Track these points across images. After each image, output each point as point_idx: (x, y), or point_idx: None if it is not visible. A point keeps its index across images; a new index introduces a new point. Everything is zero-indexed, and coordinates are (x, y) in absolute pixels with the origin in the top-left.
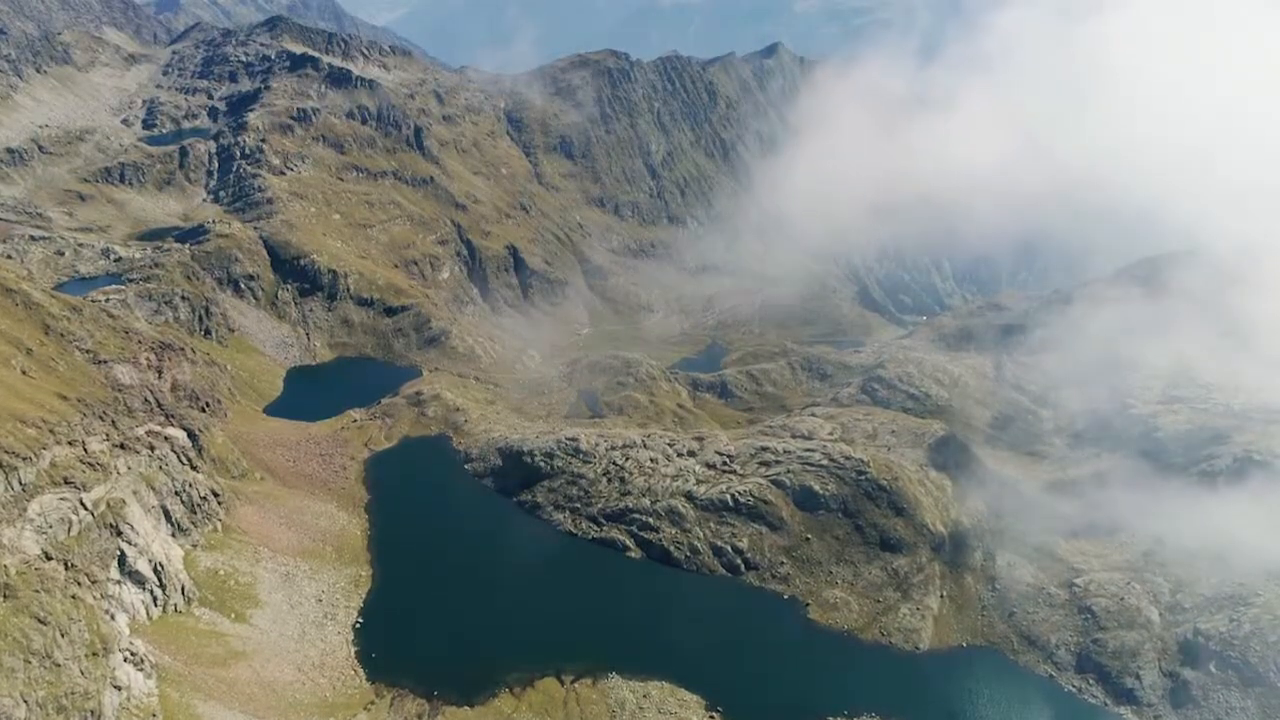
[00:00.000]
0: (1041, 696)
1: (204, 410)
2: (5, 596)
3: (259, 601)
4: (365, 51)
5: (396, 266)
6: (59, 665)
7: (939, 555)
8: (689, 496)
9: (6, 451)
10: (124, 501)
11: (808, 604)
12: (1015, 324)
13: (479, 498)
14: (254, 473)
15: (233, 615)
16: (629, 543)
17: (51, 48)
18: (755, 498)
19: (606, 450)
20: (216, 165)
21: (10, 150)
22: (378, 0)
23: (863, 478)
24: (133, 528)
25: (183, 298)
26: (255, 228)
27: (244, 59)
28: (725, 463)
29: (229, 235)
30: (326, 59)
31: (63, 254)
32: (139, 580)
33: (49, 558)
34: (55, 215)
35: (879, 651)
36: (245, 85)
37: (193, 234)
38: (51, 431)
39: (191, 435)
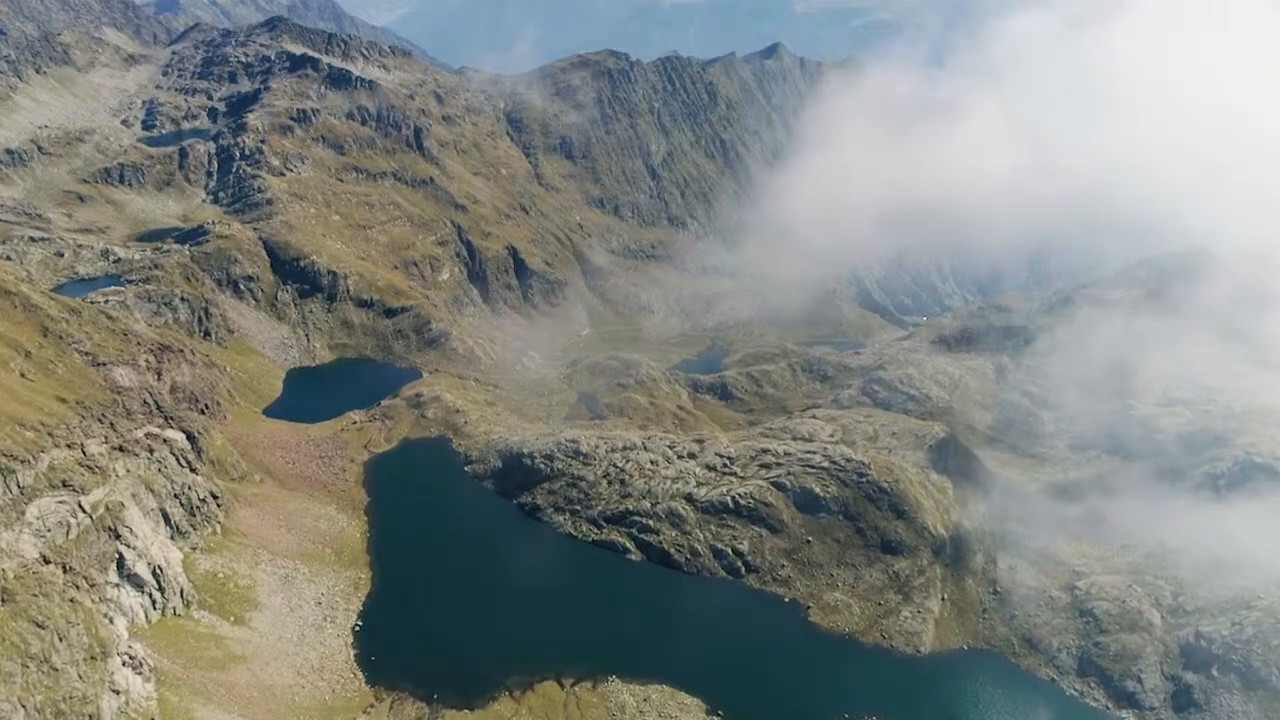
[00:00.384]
0: (1043, 700)
1: (203, 412)
2: (3, 600)
3: (258, 604)
4: (365, 52)
5: (396, 268)
6: (57, 670)
7: (940, 558)
8: (689, 499)
9: (5, 454)
10: (123, 504)
11: (808, 607)
12: (1016, 326)
13: (479, 500)
14: (253, 475)
15: (232, 618)
16: (629, 545)
17: (51, 48)
18: (756, 500)
19: (607, 452)
20: (216, 166)
21: (9, 151)
22: (377, 1)
23: (863, 480)
24: (131, 531)
25: (182, 299)
26: (255, 229)
27: (244, 59)
28: (726, 465)
29: (228, 236)
30: (326, 60)
31: (62, 255)
32: (138, 583)
33: (47, 561)
34: (54, 216)
35: (880, 654)
36: (245, 86)
37: (192, 235)
38: (50, 434)
39: (190, 437)
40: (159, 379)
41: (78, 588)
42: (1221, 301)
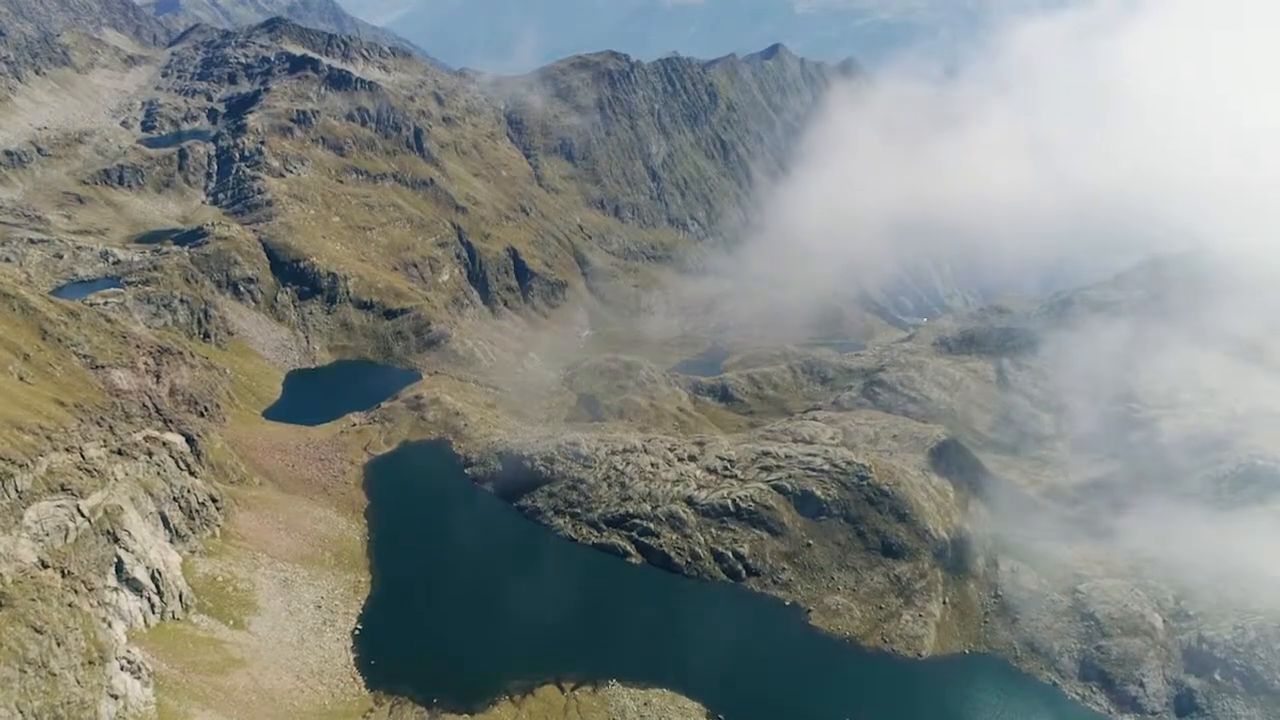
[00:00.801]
0: (1045, 704)
1: (202, 415)
2: (1, 605)
3: (257, 608)
4: (365, 53)
5: (396, 269)
6: (55, 675)
7: (941, 561)
8: (690, 502)
9: (3, 458)
10: (121, 508)
11: (809, 610)
12: (1017, 327)
13: (479, 503)
14: (252, 477)
15: (231, 622)
16: (630, 548)
17: (51, 49)
18: (756, 503)
19: (607, 455)
20: (216, 167)
21: (9, 152)
22: (377, 1)
23: (864, 483)
24: (130, 534)
25: (181, 301)
26: (254, 230)
27: (243, 60)
28: (726, 467)
29: (228, 238)
30: (326, 60)
31: (61, 257)
32: (136, 587)
33: (45, 566)
34: (54, 218)
35: (881, 658)
36: (245, 87)
37: (192, 237)
38: (48, 438)
39: (190, 440)
40: (158, 382)
41: (76, 592)
42: (1223, 303)
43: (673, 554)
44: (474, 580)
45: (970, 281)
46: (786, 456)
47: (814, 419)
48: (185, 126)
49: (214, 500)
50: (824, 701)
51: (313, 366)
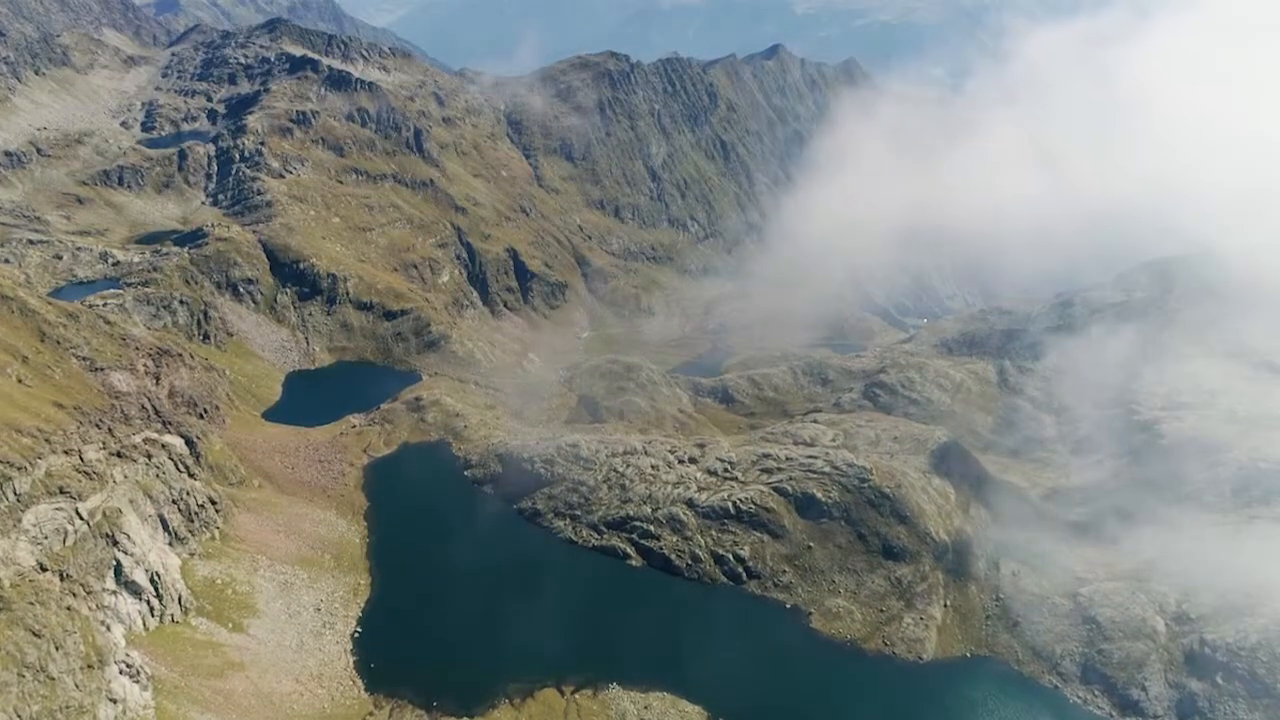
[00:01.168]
0: (1046, 708)
1: (202, 416)
2: None
3: (257, 611)
4: (365, 54)
5: (396, 270)
6: (53, 679)
7: (942, 564)
8: (690, 504)
9: (2, 461)
10: (120, 510)
11: (810, 613)
12: (1018, 329)
13: (479, 505)
14: (252, 479)
15: (230, 625)
16: (630, 551)
17: (50, 50)
18: (757, 505)
19: (607, 457)
20: (215, 168)
21: (8, 153)
22: (377, 1)
23: (865, 485)
24: (129, 537)
25: (181, 302)
26: (254, 231)
27: (243, 61)
28: (727, 470)
29: (228, 239)
30: (326, 61)
31: (60, 258)
32: (135, 590)
33: (44, 569)
34: (53, 219)
35: (882, 661)
36: (244, 87)
37: (191, 237)
38: (47, 440)
39: (189, 442)
40: (157, 383)
41: (75, 595)
42: (1225, 306)
43: (673, 556)
44: (474, 583)
45: (971, 281)
46: (787, 458)
47: (815, 421)
48: (185, 127)
49: (213, 502)
50: (825, 705)
51: (312, 368)
